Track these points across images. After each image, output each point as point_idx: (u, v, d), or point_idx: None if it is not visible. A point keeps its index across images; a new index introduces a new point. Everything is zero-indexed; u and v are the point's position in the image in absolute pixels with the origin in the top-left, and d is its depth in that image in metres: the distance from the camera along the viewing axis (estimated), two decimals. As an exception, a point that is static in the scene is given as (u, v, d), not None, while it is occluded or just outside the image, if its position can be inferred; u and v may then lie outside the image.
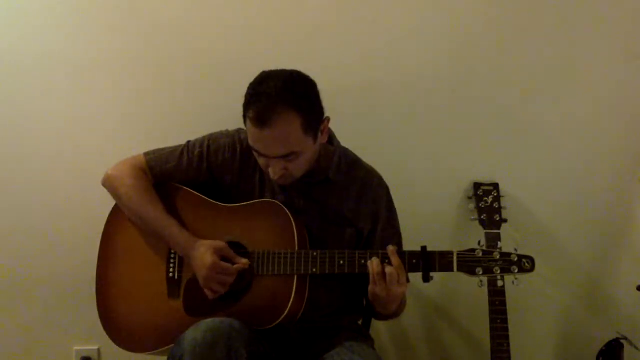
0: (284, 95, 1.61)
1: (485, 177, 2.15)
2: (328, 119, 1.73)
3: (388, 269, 1.62)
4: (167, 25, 2.15)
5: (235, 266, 1.70)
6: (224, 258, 1.71)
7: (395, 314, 1.82)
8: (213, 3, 2.15)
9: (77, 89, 2.17)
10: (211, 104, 2.15)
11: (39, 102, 2.17)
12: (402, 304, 1.80)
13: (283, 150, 1.64)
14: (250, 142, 1.68)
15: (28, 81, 2.15)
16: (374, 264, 1.64)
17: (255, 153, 1.70)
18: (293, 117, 1.61)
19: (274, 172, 1.68)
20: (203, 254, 1.70)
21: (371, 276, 1.64)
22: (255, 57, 2.09)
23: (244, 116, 1.66)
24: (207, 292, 1.72)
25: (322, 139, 1.74)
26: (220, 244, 1.72)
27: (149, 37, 2.15)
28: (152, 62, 2.16)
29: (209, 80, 2.17)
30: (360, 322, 1.93)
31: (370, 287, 1.66)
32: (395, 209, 1.88)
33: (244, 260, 1.71)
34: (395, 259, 1.63)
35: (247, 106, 1.65)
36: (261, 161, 1.71)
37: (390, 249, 1.65)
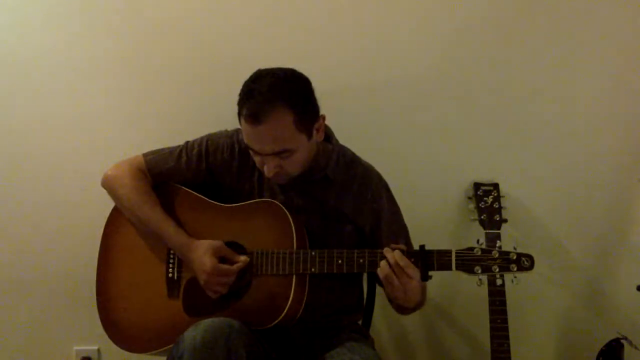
0: (275, 91, 1.62)
1: (485, 177, 2.15)
2: (323, 117, 1.72)
3: (395, 266, 1.61)
4: (166, 26, 2.15)
5: (235, 266, 1.70)
6: (223, 258, 1.71)
7: (420, 304, 1.78)
8: (213, 3, 2.15)
9: (76, 89, 2.17)
10: (210, 104, 2.15)
11: (39, 102, 2.17)
12: (424, 292, 1.77)
13: (275, 147, 1.64)
14: (245, 140, 1.68)
15: (28, 81, 2.16)
16: (382, 268, 1.62)
17: (251, 151, 1.70)
18: (284, 114, 1.61)
19: (268, 170, 1.68)
20: (201, 256, 1.70)
21: (383, 280, 1.63)
22: (254, 57, 2.07)
23: (239, 114, 1.66)
24: (210, 293, 1.73)
25: (318, 137, 1.73)
26: (217, 243, 1.72)
27: (149, 37, 2.15)
28: (152, 62, 2.16)
29: (208, 80, 2.17)
30: (360, 322, 1.93)
31: (386, 291, 1.67)
32: (397, 204, 1.88)
33: (243, 257, 1.71)
34: (398, 256, 1.61)
35: (240, 103, 1.65)
36: (256, 159, 1.71)
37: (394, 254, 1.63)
